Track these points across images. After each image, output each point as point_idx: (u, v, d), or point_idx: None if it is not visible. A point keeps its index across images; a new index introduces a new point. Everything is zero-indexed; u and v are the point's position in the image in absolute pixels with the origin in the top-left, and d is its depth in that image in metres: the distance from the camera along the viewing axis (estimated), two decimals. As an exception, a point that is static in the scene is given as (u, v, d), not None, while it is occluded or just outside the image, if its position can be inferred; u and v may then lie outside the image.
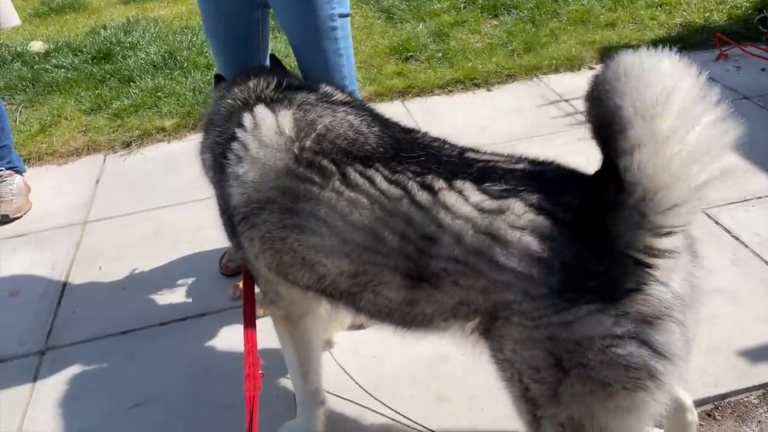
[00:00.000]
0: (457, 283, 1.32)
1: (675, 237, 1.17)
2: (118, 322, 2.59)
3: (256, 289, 1.88)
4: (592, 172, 1.31)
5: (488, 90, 4.17)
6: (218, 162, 1.71)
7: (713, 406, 2.04)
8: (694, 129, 1.11)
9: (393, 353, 2.27)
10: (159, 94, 4.33)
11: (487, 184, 1.30)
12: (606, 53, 4.37)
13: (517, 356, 1.33)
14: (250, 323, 1.70)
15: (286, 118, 1.59)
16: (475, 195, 1.29)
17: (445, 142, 1.48)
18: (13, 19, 6.11)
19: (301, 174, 1.49)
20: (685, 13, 4.80)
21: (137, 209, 3.32)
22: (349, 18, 2.16)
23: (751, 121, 3.62)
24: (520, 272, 1.24)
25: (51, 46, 5.21)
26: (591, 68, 4.27)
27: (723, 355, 2.16)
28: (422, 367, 2.23)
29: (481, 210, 1.28)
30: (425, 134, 1.52)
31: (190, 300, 2.68)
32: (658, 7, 4.89)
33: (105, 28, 5.42)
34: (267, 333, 1.97)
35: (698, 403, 1.94)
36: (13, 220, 3.30)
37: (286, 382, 2.21)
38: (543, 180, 1.32)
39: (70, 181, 3.64)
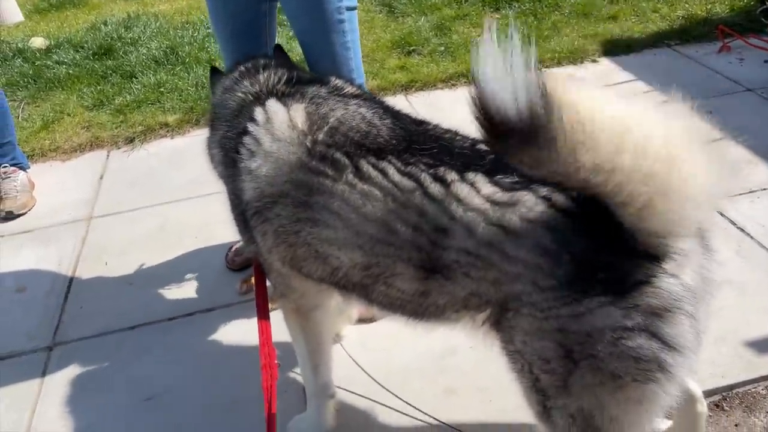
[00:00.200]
0: (469, 274, 1.32)
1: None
2: (126, 317, 2.59)
3: (267, 282, 1.89)
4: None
5: (491, 83, 4.16)
6: (229, 157, 1.70)
7: (721, 397, 2.05)
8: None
9: (401, 346, 2.28)
10: (161, 89, 4.33)
11: (498, 177, 1.30)
12: (608, 46, 4.38)
13: (527, 347, 1.33)
14: (263, 315, 1.71)
15: (298, 111, 1.59)
16: (486, 187, 1.30)
17: (456, 133, 1.48)
18: (16, 15, 6.11)
19: (314, 167, 1.49)
20: (687, 6, 4.80)
21: (142, 205, 3.32)
22: (356, 11, 2.16)
23: (755, 114, 3.65)
24: (531, 264, 1.24)
25: (52, 42, 5.20)
26: (594, 61, 4.27)
27: (730, 346, 2.17)
28: (431, 360, 2.24)
29: (493, 202, 1.28)
30: (436, 126, 1.53)
31: (198, 295, 2.69)
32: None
33: (106, 23, 5.41)
34: (276, 326, 1.97)
35: (706, 394, 1.94)
36: (18, 216, 3.31)
37: (296, 376, 2.21)
38: None
39: (74, 177, 3.65)
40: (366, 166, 1.43)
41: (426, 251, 1.35)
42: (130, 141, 3.91)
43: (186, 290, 2.72)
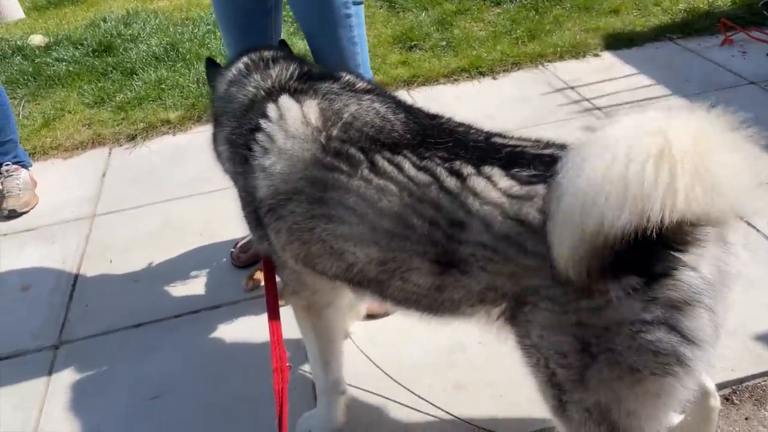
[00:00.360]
0: (485, 268, 1.31)
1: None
2: (132, 314, 2.58)
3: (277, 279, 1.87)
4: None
5: (494, 78, 4.16)
6: (239, 154, 1.68)
7: (731, 390, 2.05)
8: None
9: (410, 342, 2.27)
10: (162, 86, 4.31)
11: (515, 170, 1.29)
12: (610, 40, 4.37)
13: (543, 341, 1.32)
14: (274, 315, 1.69)
15: (311, 108, 1.58)
16: (503, 180, 1.29)
17: (470, 127, 1.48)
18: (17, 12, 6.08)
19: (329, 163, 1.48)
20: (689, -1, 4.79)
21: (145, 202, 3.31)
22: (362, 6, 2.15)
23: (759, 106, 3.65)
24: (549, 257, 1.23)
25: (51, 40, 5.17)
26: (596, 55, 4.26)
27: (739, 339, 2.16)
28: (439, 356, 2.23)
29: (510, 196, 1.27)
30: (449, 120, 1.52)
31: (204, 292, 2.67)
32: (662, -7, 4.88)
33: (105, 20, 5.37)
34: (283, 323, 1.96)
35: (716, 388, 1.94)
36: (21, 214, 3.29)
37: (303, 373, 2.21)
38: None
39: (76, 175, 3.63)
40: (381, 161, 1.42)
41: (442, 245, 1.34)
42: (132, 138, 3.90)
43: (191, 287, 2.71)
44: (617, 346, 1.22)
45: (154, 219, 3.17)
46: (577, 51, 4.29)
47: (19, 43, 5.11)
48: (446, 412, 2.00)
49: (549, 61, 4.23)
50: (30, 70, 4.67)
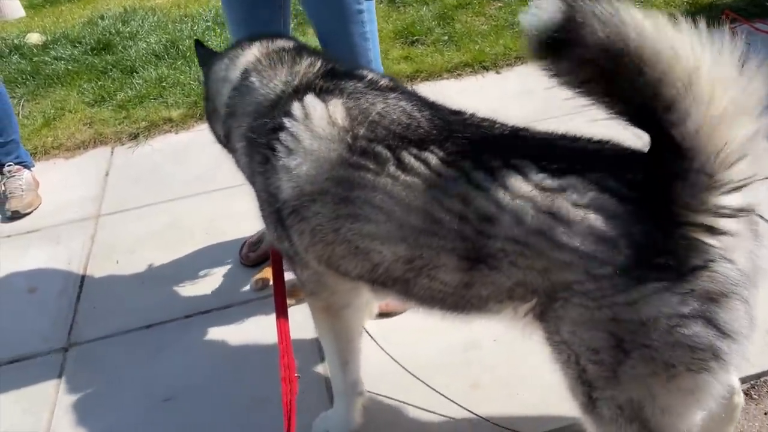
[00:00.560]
0: (515, 263, 1.29)
1: (742, 194, 1.16)
2: (141, 315, 2.55)
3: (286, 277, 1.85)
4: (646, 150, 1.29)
5: (497, 72, 4.13)
6: (260, 153, 1.64)
7: (750, 385, 2.03)
8: (731, 88, 1.13)
9: (424, 341, 2.25)
10: (163, 84, 4.27)
11: (545, 163, 1.27)
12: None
13: (575, 338, 1.30)
14: (282, 314, 1.65)
15: (337, 107, 1.54)
16: (534, 173, 1.26)
17: (494, 121, 1.45)
18: (17, 11, 6.04)
19: (355, 162, 1.45)
20: (692, -10, 4.76)
21: (149, 201, 3.27)
22: (374, 1, 2.12)
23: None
24: (584, 252, 1.21)
25: (48, 38, 5.12)
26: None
27: (758, 333, 2.11)
28: (454, 354, 2.21)
29: (542, 189, 1.24)
30: (473, 115, 1.49)
31: (213, 292, 2.64)
32: (665, -15, 4.86)
33: (102, 18, 5.33)
34: (296, 323, 1.93)
35: (738, 383, 1.93)
36: (24, 215, 3.25)
37: (319, 373, 2.18)
38: (602, 158, 1.29)
39: (79, 175, 3.60)
40: (408, 158, 1.39)
41: (471, 241, 1.31)
42: (134, 137, 3.86)
43: (200, 287, 2.68)
44: (653, 341, 1.20)
45: (159, 218, 3.14)
46: (580, 44, 4.26)
47: (16, 41, 5.06)
48: (468, 410, 1.98)
49: (552, 55, 4.19)
50: (28, 69, 4.63)
